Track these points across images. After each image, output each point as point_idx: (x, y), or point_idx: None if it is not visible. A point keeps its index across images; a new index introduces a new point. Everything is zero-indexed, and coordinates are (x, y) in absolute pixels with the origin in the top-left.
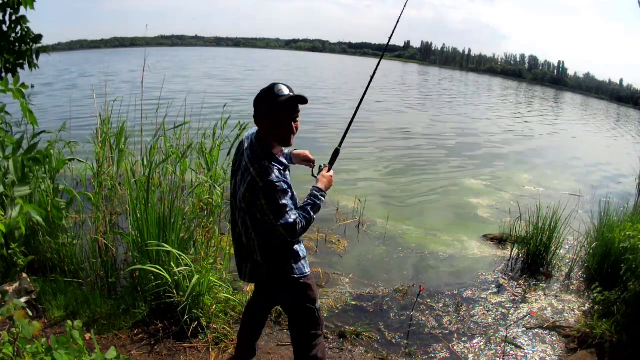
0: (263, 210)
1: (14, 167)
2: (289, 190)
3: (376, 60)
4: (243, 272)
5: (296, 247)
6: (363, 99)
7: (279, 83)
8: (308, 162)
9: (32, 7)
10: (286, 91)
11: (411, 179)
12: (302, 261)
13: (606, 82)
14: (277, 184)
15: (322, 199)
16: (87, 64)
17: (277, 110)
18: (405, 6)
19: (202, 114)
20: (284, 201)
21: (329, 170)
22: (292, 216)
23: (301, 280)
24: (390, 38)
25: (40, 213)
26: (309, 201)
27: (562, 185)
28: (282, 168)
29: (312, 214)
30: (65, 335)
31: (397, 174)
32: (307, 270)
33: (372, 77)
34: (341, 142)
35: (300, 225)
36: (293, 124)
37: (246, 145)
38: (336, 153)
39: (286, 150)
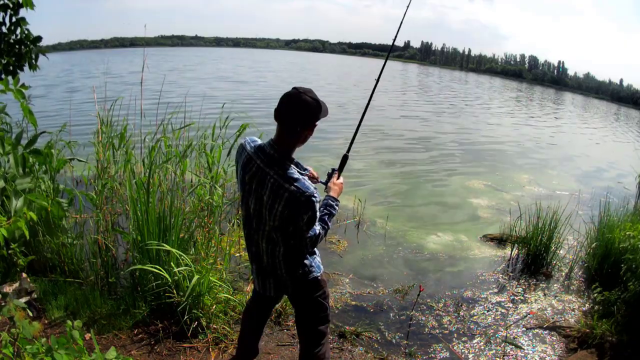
0: (301, 223)
1: (15, 161)
2: None
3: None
4: (267, 288)
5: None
6: (369, 104)
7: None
8: (312, 179)
9: (32, 8)
10: None
11: (411, 179)
12: (318, 258)
13: (606, 82)
14: (316, 195)
15: (337, 208)
16: (91, 63)
17: (317, 119)
18: (408, 7)
19: (206, 115)
20: (318, 212)
21: (338, 177)
22: (317, 227)
23: (319, 278)
24: (393, 41)
25: (46, 200)
26: (325, 211)
27: (562, 185)
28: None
29: (329, 224)
30: (65, 335)
31: (397, 174)
32: (322, 267)
33: (377, 81)
34: (349, 148)
35: (321, 236)
36: None
37: (261, 159)
38: (344, 159)
39: None
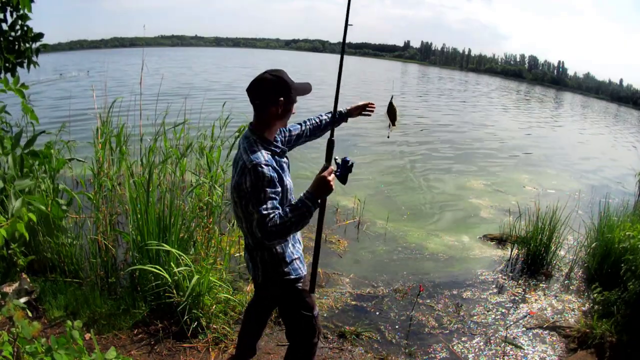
0: (244, 193)
1: (13, 161)
2: (277, 178)
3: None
4: (256, 274)
5: (286, 249)
6: (338, 92)
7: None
8: (367, 108)
9: (30, 10)
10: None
11: (411, 179)
12: (297, 262)
13: (606, 82)
14: (264, 166)
15: (308, 202)
16: (96, 62)
17: (290, 92)
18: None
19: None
20: (267, 188)
21: (325, 169)
22: (269, 209)
23: (297, 285)
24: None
25: (44, 203)
26: (292, 203)
27: (562, 185)
28: (278, 151)
29: (289, 215)
30: (65, 335)
31: (397, 174)
32: (302, 272)
33: (339, 73)
34: (332, 133)
35: (271, 223)
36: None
37: (241, 141)
38: (330, 144)
39: (342, 110)
